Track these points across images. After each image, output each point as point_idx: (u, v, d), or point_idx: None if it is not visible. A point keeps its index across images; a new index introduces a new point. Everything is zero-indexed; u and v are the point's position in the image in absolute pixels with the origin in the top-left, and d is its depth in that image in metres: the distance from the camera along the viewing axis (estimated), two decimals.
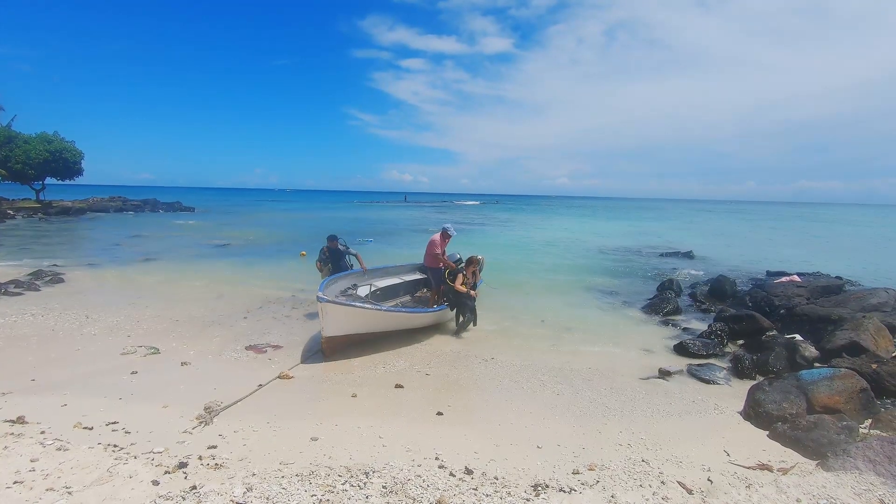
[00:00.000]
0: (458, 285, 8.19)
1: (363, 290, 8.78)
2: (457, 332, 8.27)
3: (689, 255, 19.88)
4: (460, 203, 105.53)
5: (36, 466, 3.38)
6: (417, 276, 10.57)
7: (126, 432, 4.20)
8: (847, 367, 5.68)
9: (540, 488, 3.54)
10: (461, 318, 8.42)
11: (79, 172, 40.88)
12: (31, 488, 3.09)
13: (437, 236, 9.17)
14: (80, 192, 56.41)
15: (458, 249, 10.95)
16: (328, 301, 6.58)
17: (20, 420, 4.29)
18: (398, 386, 5.88)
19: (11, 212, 34.04)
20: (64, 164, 38.79)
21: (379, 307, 7.56)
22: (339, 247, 9.13)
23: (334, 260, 9.10)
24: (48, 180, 40.42)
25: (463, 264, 8.87)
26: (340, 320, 6.73)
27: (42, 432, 4.07)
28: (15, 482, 3.14)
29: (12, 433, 3.99)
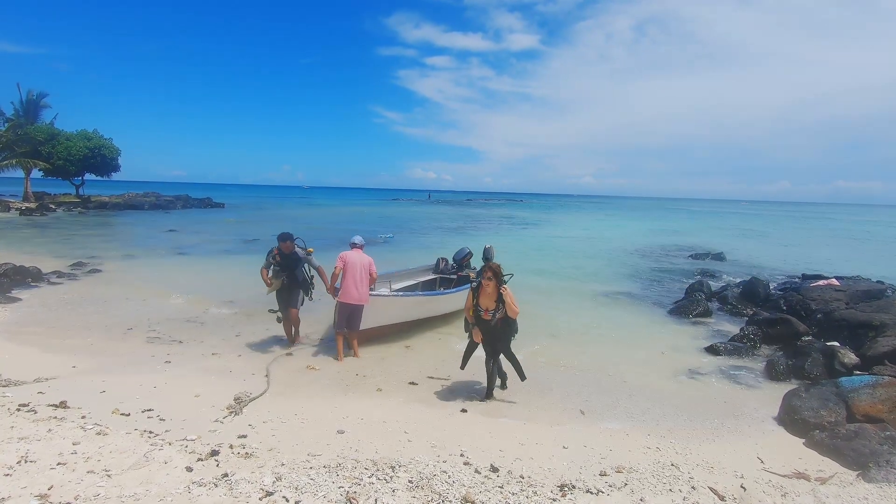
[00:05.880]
0: (511, 305, 5.11)
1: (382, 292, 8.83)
2: (492, 393, 5.53)
3: (719, 257, 19.35)
4: (484, 201, 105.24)
5: (77, 450, 3.51)
6: (431, 276, 10.57)
7: (161, 419, 4.34)
8: (890, 375, 5.42)
9: (566, 489, 3.50)
10: (498, 368, 5.54)
11: (116, 168, 42.29)
12: (74, 470, 3.21)
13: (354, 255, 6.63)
14: (117, 188, 58.48)
15: (478, 247, 10.79)
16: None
17: (62, 404, 4.47)
18: (422, 383, 5.91)
19: (53, 206, 35.60)
20: (102, 160, 40.20)
21: (396, 294, 7.59)
22: (297, 250, 6.80)
23: (289, 268, 6.75)
24: (87, 176, 42.00)
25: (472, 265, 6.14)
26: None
27: (83, 417, 4.23)
28: (59, 463, 3.27)
29: (55, 417, 4.16)
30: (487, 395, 5.47)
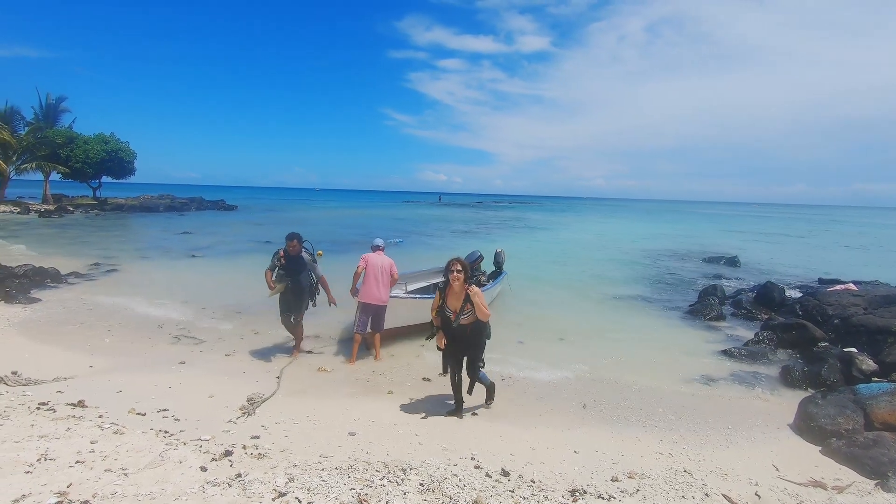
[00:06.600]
0: (481, 307, 4.65)
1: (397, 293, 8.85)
2: (493, 395, 5.32)
3: (733, 261, 19.07)
4: (494, 203, 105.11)
5: (95, 448, 3.58)
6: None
7: (175, 419, 4.40)
8: None
9: (578, 494, 3.48)
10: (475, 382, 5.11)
11: (132, 171, 43.00)
12: (92, 468, 3.28)
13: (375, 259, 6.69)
14: (133, 190, 59.44)
15: (489, 250, 10.78)
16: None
17: (80, 403, 4.56)
18: (434, 384, 5.93)
19: (71, 208, 36.27)
20: (119, 163, 40.90)
21: (413, 296, 7.62)
22: (304, 254, 6.48)
23: (293, 271, 6.42)
24: (104, 178, 42.71)
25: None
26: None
27: (100, 416, 4.31)
28: (77, 461, 3.34)
29: (73, 416, 4.25)
30: (488, 398, 5.29)
